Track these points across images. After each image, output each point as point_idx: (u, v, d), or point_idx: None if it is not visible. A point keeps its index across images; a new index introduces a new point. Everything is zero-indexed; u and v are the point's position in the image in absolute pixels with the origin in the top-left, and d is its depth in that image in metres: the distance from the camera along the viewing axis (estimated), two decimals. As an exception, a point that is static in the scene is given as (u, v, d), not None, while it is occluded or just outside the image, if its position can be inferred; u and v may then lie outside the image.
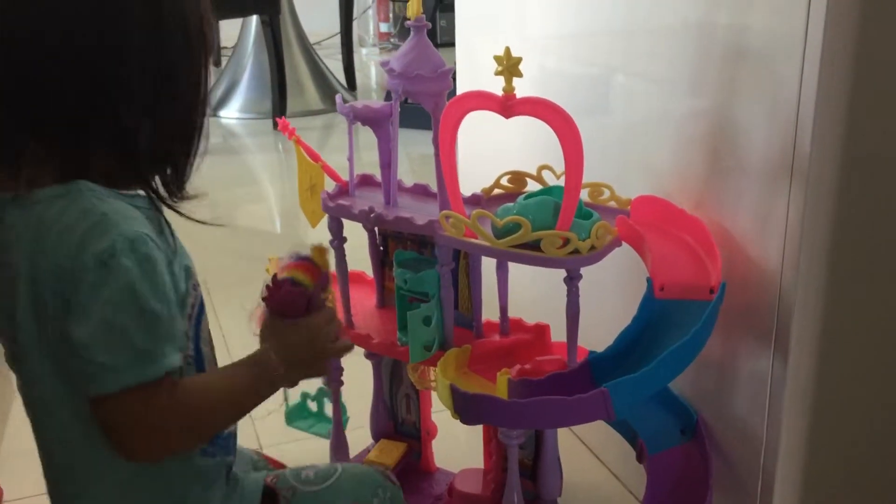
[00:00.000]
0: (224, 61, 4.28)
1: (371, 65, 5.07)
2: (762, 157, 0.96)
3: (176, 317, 0.74)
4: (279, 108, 3.47)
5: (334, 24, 4.49)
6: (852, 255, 0.96)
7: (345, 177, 1.20)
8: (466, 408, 0.99)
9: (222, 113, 3.76)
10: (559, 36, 1.33)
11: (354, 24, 4.38)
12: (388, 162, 1.13)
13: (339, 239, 1.18)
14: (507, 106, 0.97)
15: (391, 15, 5.16)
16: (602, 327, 1.13)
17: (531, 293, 1.27)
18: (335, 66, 4.14)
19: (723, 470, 1.08)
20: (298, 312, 0.83)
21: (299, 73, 3.79)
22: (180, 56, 0.77)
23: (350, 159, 1.17)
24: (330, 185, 1.20)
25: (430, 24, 1.05)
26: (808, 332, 0.97)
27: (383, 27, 5.22)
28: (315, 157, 1.20)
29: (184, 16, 0.76)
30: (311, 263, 0.84)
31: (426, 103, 1.06)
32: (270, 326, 0.83)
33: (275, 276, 0.83)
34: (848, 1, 0.86)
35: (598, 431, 1.37)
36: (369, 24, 5.29)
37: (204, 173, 0.89)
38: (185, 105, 0.78)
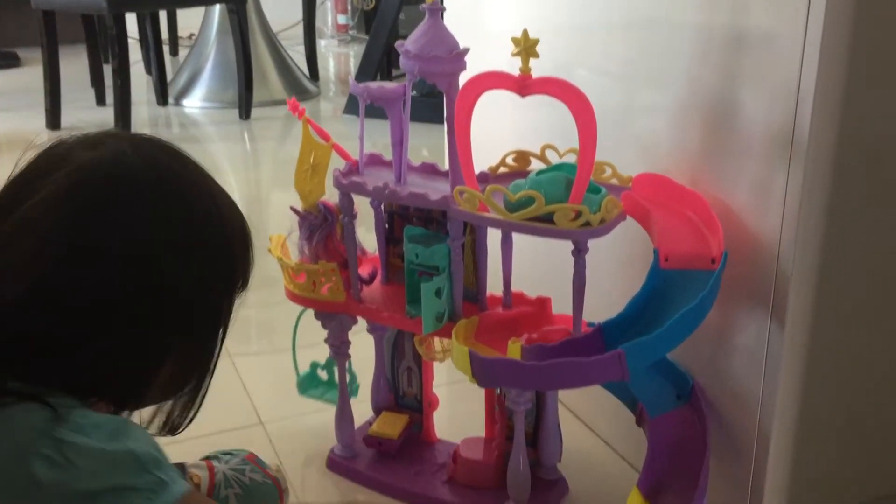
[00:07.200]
0: (185, 51, 4.28)
1: (329, 56, 5.08)
2: (762, 134, 1.03)
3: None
4: (245, 97, 3.48)
5: (294, 14, 4.50)
6: (848, 227, 1.03)
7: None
8: (484, 372, 1.04)
9: (185, 102, 3.76)
10: (554, 25, 1.39)
11: (313, 15, 4.39)
12: (399, 140, 1.17)
13: (349, 215, 1.22)
14: (524, 85, 1.02)
15: (349, 6, 5.18)
16: (596, 299, 1.18)
17: (532, 268, 1.32)
18: (296, 57, 4.15)
19: (720, 433, 1.14)
20: None
21: (263, 63, 3.80)
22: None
23: (361, 138, 1.20)
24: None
25: (444, 7, 1.09)
26: (804, 300, 1.04)
27: (341, 19, 5.24)
28: (325, 137, 1.23)
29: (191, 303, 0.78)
30: None
31: (440, 83, 1.10)
32: None
33: None
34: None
35: (590, 403, 1.43)
36: (327, 15, 5.30)
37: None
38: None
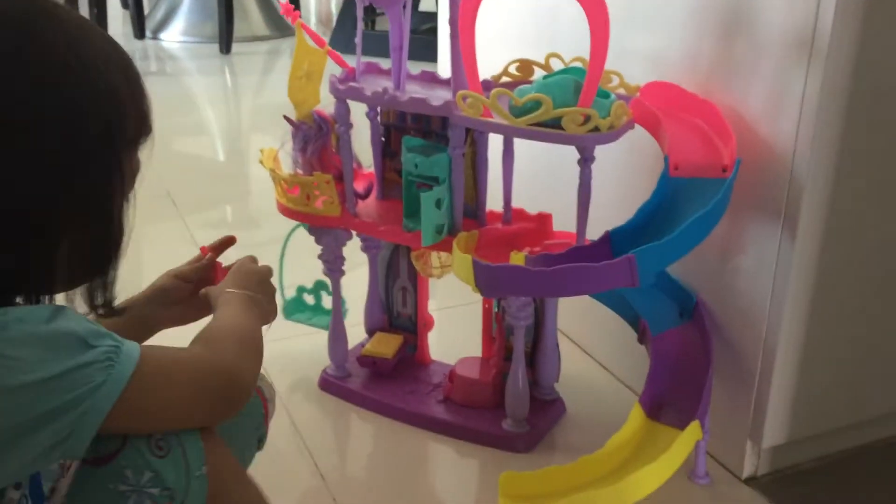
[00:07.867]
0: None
1: (311, -4, 4.99)
2: (778, 36, 0.99)
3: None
4: (226, 30, 3.40)
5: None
6: (867, 137, 1.00)
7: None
8: (489, 279, 1.01)
9: (163, 36, 3.67)
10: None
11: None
12: (399, 45, 1.13)
13: (346, 124, 1.17)
14: (534, -19, 0.98)
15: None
16: (597, 215, 1.14)
17: (533, 185, 1.29)
18: (277, -7, 4.07)
19: (724, 350, 1.11)
20: None
21: (244, -3, 3.72)
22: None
23: (358, 44, 1.16)
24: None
25: None
26: (817, 213, 1.01)
27: (323, -44, 5.13)
28: (320, 43, 1.18)
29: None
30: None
31: (445, -18, 1.06)
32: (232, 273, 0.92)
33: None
34: None
35: (587, 328, 1.41)
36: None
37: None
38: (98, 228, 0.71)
